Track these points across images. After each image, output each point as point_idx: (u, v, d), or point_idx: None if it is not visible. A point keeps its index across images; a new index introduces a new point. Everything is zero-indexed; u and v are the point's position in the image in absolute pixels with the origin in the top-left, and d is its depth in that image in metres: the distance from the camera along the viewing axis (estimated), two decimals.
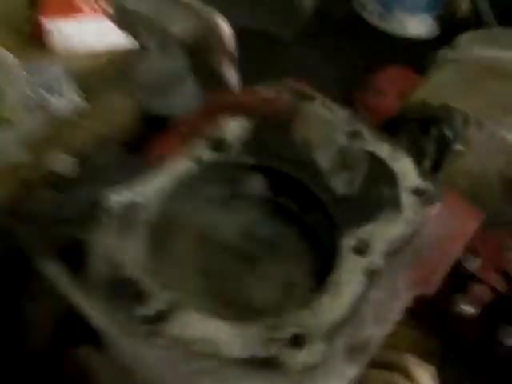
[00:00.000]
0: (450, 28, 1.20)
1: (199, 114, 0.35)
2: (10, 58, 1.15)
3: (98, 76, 1.10)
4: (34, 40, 1.24)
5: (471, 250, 0.89)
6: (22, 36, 1.25)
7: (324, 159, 0.30)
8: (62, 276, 0.39)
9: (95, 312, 0.38)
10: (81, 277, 0.38)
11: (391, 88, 1.09)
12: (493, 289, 0.87)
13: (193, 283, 0.37)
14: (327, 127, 0.32)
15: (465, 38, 0.64)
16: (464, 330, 0.86)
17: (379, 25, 1.44)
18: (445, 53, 0.63)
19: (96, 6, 1.23)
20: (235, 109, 0.35)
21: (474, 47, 0.59)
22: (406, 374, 0.61)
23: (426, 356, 0.83)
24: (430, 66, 0.64)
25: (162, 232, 0.38)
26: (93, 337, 0.43)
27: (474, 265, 0.89)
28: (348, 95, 1.22)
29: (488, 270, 0.89)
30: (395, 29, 1.42)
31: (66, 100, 1.07)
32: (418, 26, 1.41)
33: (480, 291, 0.85)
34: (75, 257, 0.39)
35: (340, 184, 0.32)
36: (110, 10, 0.44)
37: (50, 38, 1.22)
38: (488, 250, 0.89)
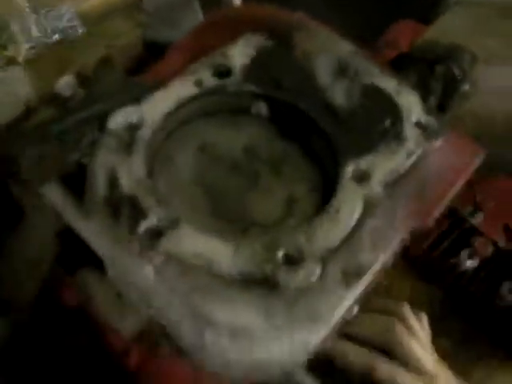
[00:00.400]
0: None
1: (202, 30, 0.34)
2: (22, 2, 1.14)
3: (106, 16, 1.10)
4: None
5: (474, 203, 0.89)
6: None
7: (323, 68, 0.30)
8: (63, 200, 0.39)
9: (95, 233, 0.38)
10: (82, 200, 0.38)
11: (403, 41, 1.08)
12: (494, 243, 0.87)
13: (193, 198, 0.37)
14: (329, 40, 0.32)
15: None
16: (466, 284, 0.87)
17: None
18: None
19: None
20: (239, 20, 0.34)
21: None
22: (401, 319, 0.62)
23: (424, 306, 0.85)
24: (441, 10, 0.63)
25: (163, 150, 0.38)
26: (93, 262, 0.44)
27: (476, 219, 0.89)
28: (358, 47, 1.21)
29: (490, 224, 0.89)
30: None
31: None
32: None
33: (481, 245, 0.86)
34: (77, 181, 0.39)
35: (339, 95, 0.32)
36: None
37: None
38: (490, 204, 0.90)
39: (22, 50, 0.93)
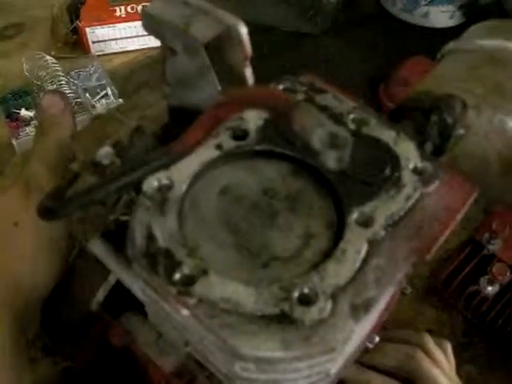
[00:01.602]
0: (474, 17, 1.23)
1: (219, 106, 0.40)
2: (55, 64, 1.24)
3: (132, 73, 1.19)
4: (76, 46, 1.34)
5: (492, 231, 0.93)
6: (66, 44, 1.35)
7: (316, 141, 0.35)
8: (106, 253, 0.45)
9: (136, 282, 0.44)
10: (124, 253, 0.44)
11: (413, 77, 1.13)
12: None
13: (219, 237, 0.42)
14: (319, 115, 0.37)
15: (472, 30, 0.68)
16: (487, 310, 0.91)
17: (404, 17, 1.49)
18: (451, 44, 0.67)
19: (129, 10, 1.33)
20: (247, 102, 0.40)
21: (479, 38, 0.63)
22: (423, 349, 0.66)
23: (447, 334, 0.88)
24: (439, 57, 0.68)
25: (191, 203, 0.44)
26: (135, 307, 0.50)
27: (495, 246, 0.93)
28: (373, 85, 1.27)
29: (509, 250, 0.93)
30: (420, 20, 1.47)
31: (106, 100, 1.16)
32: (441, 16, 1.45)
33: (500, 271, 0.90)
34: (119, 236, 0.45)
35: (330, 161, 0.37)
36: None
37: (89, 43, 1.31)
38: (508, 231, 0.93)
39: None
